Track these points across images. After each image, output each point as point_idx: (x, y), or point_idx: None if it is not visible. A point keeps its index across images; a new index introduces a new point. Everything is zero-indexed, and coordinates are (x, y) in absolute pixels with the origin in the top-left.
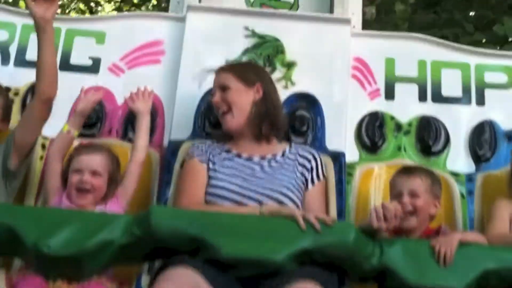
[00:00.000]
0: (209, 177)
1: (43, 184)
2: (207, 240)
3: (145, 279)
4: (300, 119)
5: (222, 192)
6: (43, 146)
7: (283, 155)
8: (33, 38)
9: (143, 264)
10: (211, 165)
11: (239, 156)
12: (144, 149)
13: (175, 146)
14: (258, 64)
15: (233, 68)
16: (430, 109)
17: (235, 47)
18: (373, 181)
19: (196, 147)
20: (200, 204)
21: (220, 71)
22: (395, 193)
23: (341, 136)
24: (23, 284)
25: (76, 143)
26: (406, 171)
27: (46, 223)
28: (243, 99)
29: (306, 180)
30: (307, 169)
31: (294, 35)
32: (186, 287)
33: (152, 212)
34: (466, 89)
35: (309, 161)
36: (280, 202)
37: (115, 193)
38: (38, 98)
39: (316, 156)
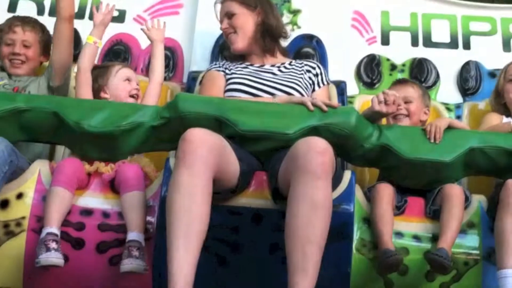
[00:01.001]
0: (226, 82)
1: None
2: (227, 118)
3: (172, 161)
4: (305, 55)
5: (238, 86)
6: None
7: (290, 63)
8: None
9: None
10: (227, 71)
11: (251, 65)
12: (161, 71)
13: (194, 75)
14: None
15: None
16: (421, 52)
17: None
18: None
19: (213, 63)
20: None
21: (223, 1)
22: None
23: (342, 73)
24: (63, 164)
25: None
26: (400, 81)
27: (86, 108)
28: (247, 22)
29: (313, 82)
30: (313, 74)
31: None
32: (215, 140)
33: (179, 97)
34: (453, 37)
35: (314, 68)
36: (291, 95)
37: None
38: (60, 17)
39: (320, 65)
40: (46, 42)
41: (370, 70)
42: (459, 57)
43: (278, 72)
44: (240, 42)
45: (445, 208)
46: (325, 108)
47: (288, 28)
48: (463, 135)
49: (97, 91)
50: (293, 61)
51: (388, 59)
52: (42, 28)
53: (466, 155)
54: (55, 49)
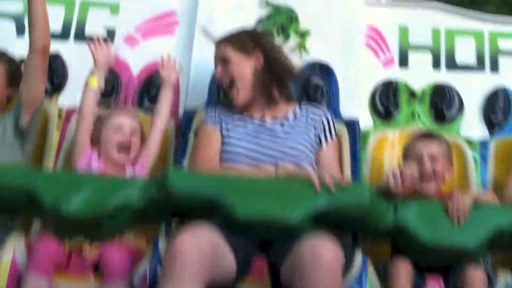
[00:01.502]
0: (223, 142)
1: (70, 145)
2: (223, 201)
3: (162, 243)
4: (315, 87)
5: (236, 156)
6: (59, 116)
7: (294, 115)
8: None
9: (161, 225)
10: (224, 126)
11: (251, 117)
12: (167, 117)
13: (190, 115)
14: (254, 29)
15: (230, 39)
16: (444, 76)
17: (248, 18)
18: (387, 147)
19: (209, 113)
20: (215, 168)
21: (218, 43)
22: (414, 157)
23: (355, 103)
24: (38, 249)
25: None
26: (426, 136)
27: (65, 185)
28: (244, 70)
29: (319, 139)
30: (319, 128)
31: (307, 5)
32: (206, 242)
33: (169, 175)
34: (480, 57)
35: (320, 119)
36: (295, 162)
37: (140, 157)
38: (34, 49)
39: (327, 114)
40: (13, 73)
41: (386, 99)
42: (486, 82)
43: (280, 132)
44: (241, 97)
45: None
46: (333, 189)
47: (295, 53)
48: (490, 214)
49: (93, 141)
50: (297, 109)
51: (406, 85)
52: (8, 58)
53: (493, 236)
54: (26, 82)
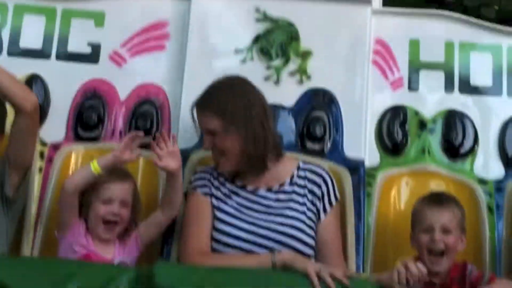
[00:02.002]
0: (214, 217)
1: (59, 214)
2: None
3: None
4: (316, 121)
5: (229, 239)
6: (41, 155)
7: (291, 181)
8: (27, 20)
9: None
10: (215, 202)
11: (243, 187)
12: (180, 204)
13: (182, 156)
14: (242, 88)
15: (216, 110)
16: (457, 101)
17: (245, 33)
18: (395, 191)
19: (199, 177)
20: (206, 253)
21: (203, 111)
22: (424, 227)
23: (360, 138)
24: None
25: None
26: (437, 202)
27: (47, 280)
28: (234, 142)
29: (318, 210)
30: (318, 197)
31: (309, 18)
32: None
33: (157, 273)
34: (496, 76)
35: (319, 186)
36: (293, 247)
37: (136, 232)
38: (20, 115)
39: (327, 179)
40: None
41: (394, 131)
42: (503, 107)
43: (275, 204)
44: (227, 166)
45: None
46: (333, 287)
47: (296, 78)
48: None
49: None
50: (295, 173)
51: (416, 113)
52: None
53: None
54: (14, 143)
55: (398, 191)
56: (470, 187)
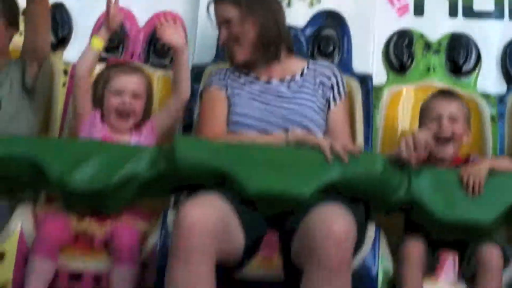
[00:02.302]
0: (229, 104)
1: (71, 107)
2: (233, 174)
3: (170, 215)
4: (326, 40)
5: (244, 119)
6: (65, 72)
7: (302, 74)
8: None
9: (170, 197)
10: (229, 90)
11: (257, 79)
12: (188, 85)
13: (198, 71)
14: None
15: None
16: (460, 25)
17: None
18: (401, 104)
19: (214, 74)
20: (223, 134)
21: (220, 1)
22: (433, 116)
23: (368, 56)
24: (45, 229)
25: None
26: (446, 94)
27: (71, 156)
28: (248, 28)
29: (328, 99)
30: (328, 87)
31: None
32: (215, 214)
33: (177, 145)
34: (498, 1)
35: (329, 78)
36: (305, 127)
37: (151, 121)
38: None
39: (336, 72)
40: (12, 13)
41: (400, 52)
42: (505, 30)
43: (288, 93)
44: (242, 54)
45: (480, 283)
46: (345, 159)
47: (307, 2)
48: (507, 186)
49: (96, 102)
50: (305, 66)
51: (422, 36)
52: None
53: (510, 208)
54: (27, 33)
55: (404, 104)
56: (474, 100)
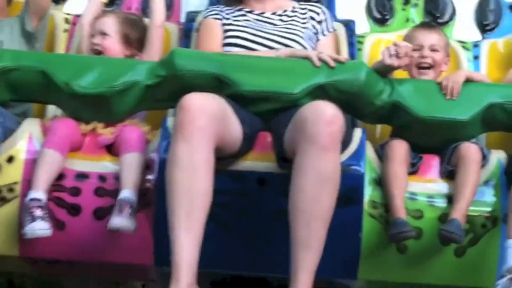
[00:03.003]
0: (224, 31)
1: (72, 51)
2: (228, 76)
3: (170, 121)
4: None
5: (236, 40)
6: (66, 21)
7: (293, 10)
8: None
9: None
10: (225, 21)
11: (251, 12)
12: (162, 12)
13: (192, 16)
14: None
15: None
16: None
17: None
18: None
19: (210, 8)
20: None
21: None
22: (415, 46)
23: (351, 9)
24: (56, 126)
25: None
26: (428, 25)
27: (76, 66)
28: None
29: (317, 31)
30: (317, 21)
31: None
32: (215, 104)
33: (175, 53)
34: None
35: (318, 14)
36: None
37: (140, 56)
38: None
39: (325, 9)
40: None
41: (381, 5)
42: None
43: (279, 22)
44: None
45: (460, 172)
46: (332, 63)
47: None
48: (482, 90)
49: None
50: (296, 4)
51: None
52: None
53: (485, 111)
54: None
55: None
56: (451, 45)
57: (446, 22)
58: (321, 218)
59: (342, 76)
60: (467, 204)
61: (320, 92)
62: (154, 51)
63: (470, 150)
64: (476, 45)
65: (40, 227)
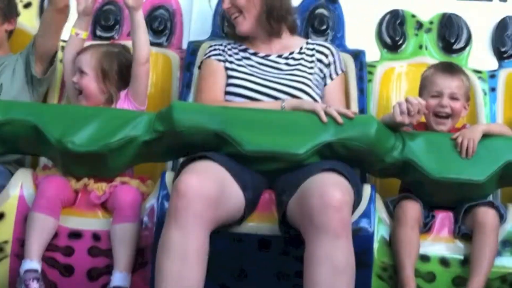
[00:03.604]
0: (227, 77)
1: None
2: (229, 134)
3: (169, 176)
4: (320, 18)
5: (240, 90)
6: (63, 48)
7: (300, 51)
8: None
9: (167, 162)
10: (228, 64)
11: (255, 54)
12: (144, 46)
13: (194, 47)
14: None
15: None
16: (451, 6)
17: None
18: (394, 79)
19: (213, 47)
20: (220, 102)
21: None
22: (434, 92)
23: (361, 35)
24: (46, 186)
25: None
26: (448, 70)
27: (70, 120)
28: (254, 2)
29: (325, 76)
30: (325, 64)
31: None
32: (212, 182)
33: (174, 107)
34: None
35: (327, 56)
36: (299, 98)
37: (126, 93)
38: (52, 7)
39: (333, 50)
40: (8, 7)
41: (392, 30)
42: (495, 11)
43: (285, 67)
44: (245, 25)
45: (477, 241)
46: (340, 120)
47: None
48: (500, 147)
49: None
50: (304, 44)
51: (413, 15)
52: None
53: (503, 169)
54: (42, 35)
55: (397, 80)
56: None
57: (462, 49)
58: None
59: (350, 133)
60: (485, 275)
61: (327, 151)
62: (140, 89)
63: (487, 217)
64: (492, 75)
65: None
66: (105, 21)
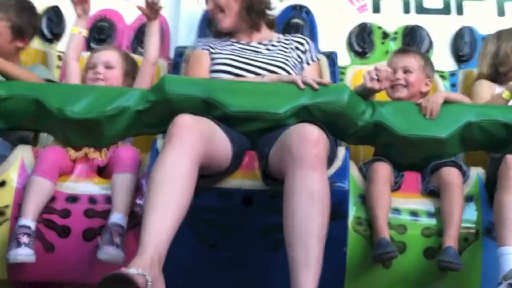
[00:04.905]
0: (212, 59)
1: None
2: (215, 99)
3: (160, 143)
4: (295, 26)
5: (223, 67)
6: (59, 58)
7: (278, 40)
8: None
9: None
10: (212, 50)
11: (238, 42)
12: (156, 49)
13: (181, 51)
14: None
15: None
16: (414, 19)
17: None
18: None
19: (198, 41)
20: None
21: None
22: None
23: (332, 43)
24: (45, 153)
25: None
26: (401, 50)
27: (69, 93)
28: (233, 1)
29: (302, 60)
30: (302, 51)
31: None
32: (204, 124)
33: (165, 79)
34: (446, 2)
35: (302, 44)
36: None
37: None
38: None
39: (309, 40)
40: (26, 25)
41: (361, 40)
42: (453, 23)
43: (265, 51)
44: (226, 21)
45: (445, 198)
46: (316, 86)
47: None
48: (460, 110)
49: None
50: (281, 36)
51: (379, 27)
52: (18, 7)
53: (463, 130)
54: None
55: None
56: None
57: None
58: (316, 235)
59: (325, 98)
60: (457, 229)
61: (304, 113)
62: (144, 86)
63: (451, 175)
64: (453, 74)
65: (23, 253)
66: (98, 35)
